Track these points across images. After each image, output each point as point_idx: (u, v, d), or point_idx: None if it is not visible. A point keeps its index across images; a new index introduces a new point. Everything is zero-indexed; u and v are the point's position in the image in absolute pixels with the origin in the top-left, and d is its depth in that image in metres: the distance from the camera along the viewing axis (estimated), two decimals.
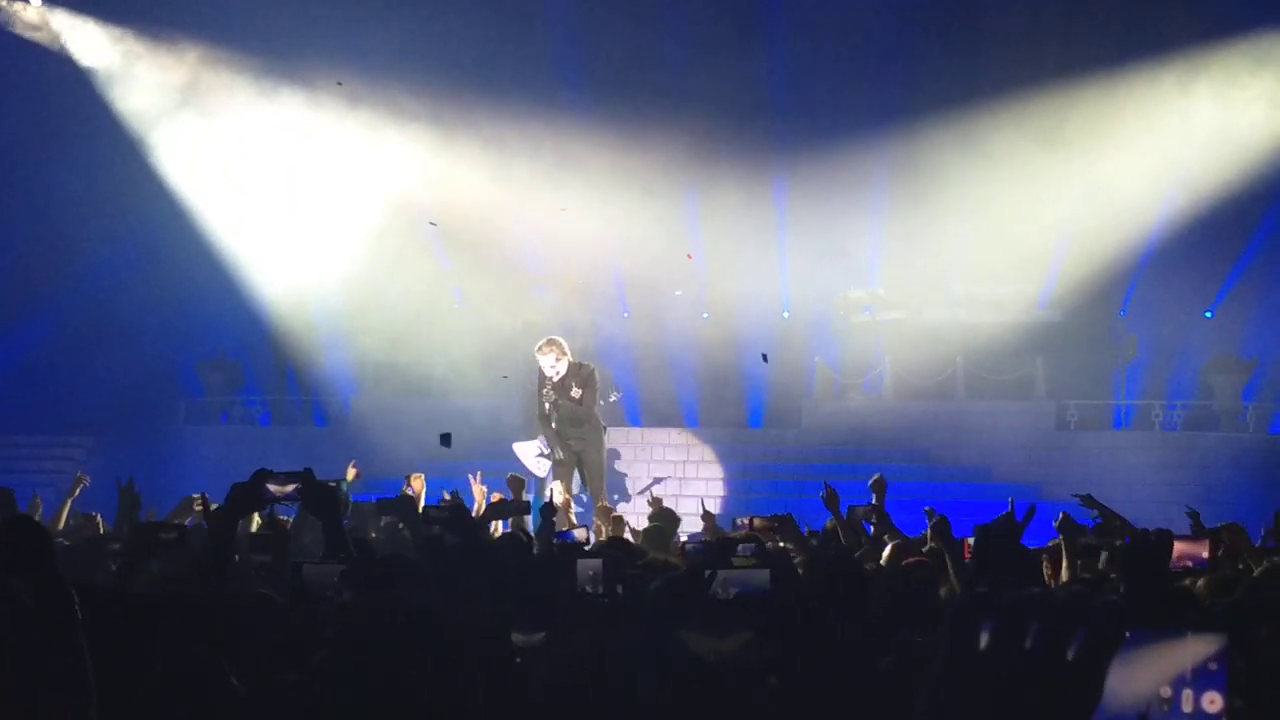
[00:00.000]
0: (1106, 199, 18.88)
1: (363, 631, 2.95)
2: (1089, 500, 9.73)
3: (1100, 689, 1.31)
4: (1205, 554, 5.72)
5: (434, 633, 2.87)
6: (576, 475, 13.77)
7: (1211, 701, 1.36)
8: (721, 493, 17.64)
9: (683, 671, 2.24)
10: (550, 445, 14.10)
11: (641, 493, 13.34)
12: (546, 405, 13.48)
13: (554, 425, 13.52)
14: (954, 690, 1.32)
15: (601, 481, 13.42)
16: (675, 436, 19.69)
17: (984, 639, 1.33)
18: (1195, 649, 1.38)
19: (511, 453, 14.58)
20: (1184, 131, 18.55)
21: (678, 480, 18.01)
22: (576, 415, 13.25)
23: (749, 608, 2.25)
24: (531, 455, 14.59)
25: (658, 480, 15.39)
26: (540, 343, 13.60)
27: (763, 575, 4.01)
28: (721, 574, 3.73)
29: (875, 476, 9.61)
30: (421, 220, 19.60)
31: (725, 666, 2.21)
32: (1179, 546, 5.64)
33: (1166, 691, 1.37)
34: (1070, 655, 1.29)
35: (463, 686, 2.89)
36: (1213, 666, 1.36)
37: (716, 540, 7.64)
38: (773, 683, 2.23)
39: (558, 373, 13.35)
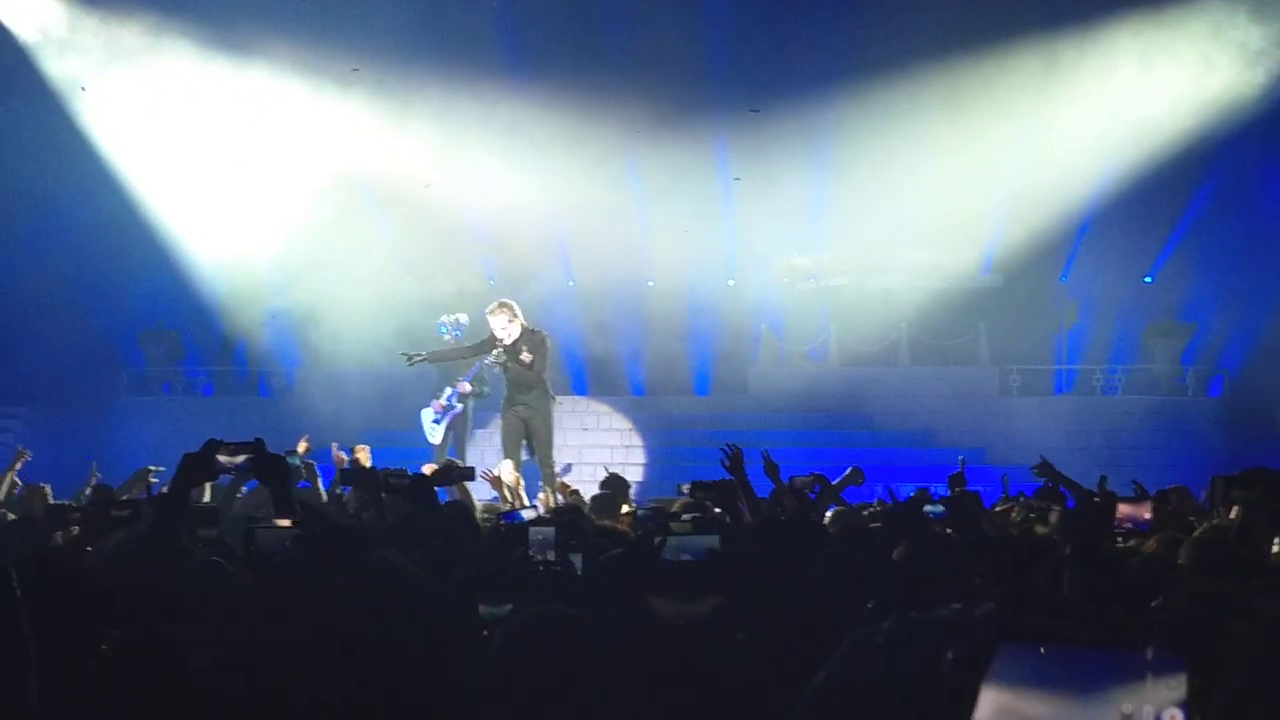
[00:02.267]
0: (1048, 166, 18.98)
1: (331, 603, 2.93)
2: (1045, 468, 9.80)
3: (974, 701, 1.30)
4: (1148, 515, 5.79)
5: (407, 604, 2.85)
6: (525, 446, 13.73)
7: (1173, 718, 1.36)
8: (668, 460, 17.67)
9: (650, 637, 2.24)
10: (444, 409, 14.19)
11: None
12: (497, 368, 13.42)
13: (505, 391, 13.42)
14: (832, 704, 1.32)
15: (550, 451, 13.34)
16: (622, 404, 19.71)
17: (869, 659, 1.32)
18: (1154, 665, 1.38)
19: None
20: (1124, 97, 18.68)
21: (624, 448, 18.04)
22: (525, 380, 13.16)
23: (712, 570, 2.26)
24: (428, 421, 14.62)
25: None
26: (492, 305, 13.53)
27: (711, 541, 4.02)
28: (672, 541, 3.73)
29: (857, 469, 9.59)
30: (365, 188, 19.42)
31: (693, 629, 2.20)
32: (1122, 508, 5.72)
33: (1127, 709, 1.36)
34: (944, 672, 1.28)
35: (436, 658, 2.87)
36: (1173, 684, 1.36)
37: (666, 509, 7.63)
38: (741, 639, 2.24)
39: (509, 335, 13.24)
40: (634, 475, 13.27)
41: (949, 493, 5.57)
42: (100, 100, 18.69)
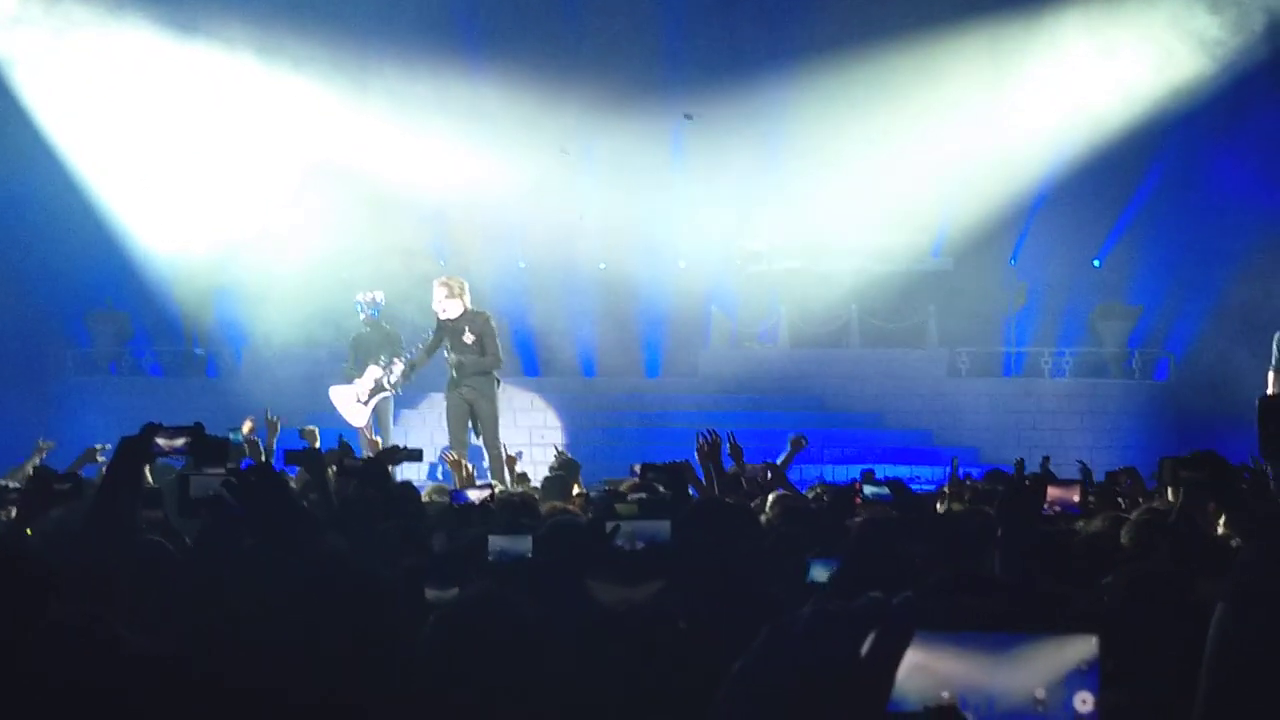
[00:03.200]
0: (998, 149, 19.08)
1: (278, 583, 2.88)
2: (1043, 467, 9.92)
3: (889, 690, 1.30)
4: (1076, 499, 5.88)
5: (351, 595, 2.81)
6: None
7: (1084, 701, 1.37)
8: (618, 442, 17.66)
9: (593, 623, 2.22)
10: (368, 391, 14.11)
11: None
12: (444, 352, 13.34)
13: (449, 373, 13.33)
14: (748, 693, 1.31)
15: (496, 433, 13.27)
16: (572, 385, 19.69)
17: (786, 648, 1.32)
18: (1067, 649, 1.39)
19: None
20: (1074, 81, 18.80)
21: (574, 429, 18.01)
22: (480, 366, 13.09)
23: (656, 555, 2.24)
24: (349, 403, 14.41)
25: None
26: (438, 279, 13.51)
27: (664, 526, 4.00)
28: (625, 527, 3.72)
29: (798, 435, 9.63)
30: (315, 167, 19.25)
31: (636, 615, 2.19)
32: (1052, 491, 5.76)
33: (1040, 693, 1.37)
34: (861, 658, 1.28)
35: (376, 648, 2.84)
36: (1084, 666, 1.38)
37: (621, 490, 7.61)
38: (682, 627, 2.23)
39: (446, 310, 13.13)
40: (584, 456, 13.21)
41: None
42: (47, 76, 18.42)
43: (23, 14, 18.07)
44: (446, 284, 13.27)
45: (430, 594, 3.92)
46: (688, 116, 18.15)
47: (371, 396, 14.34)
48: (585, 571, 2.14)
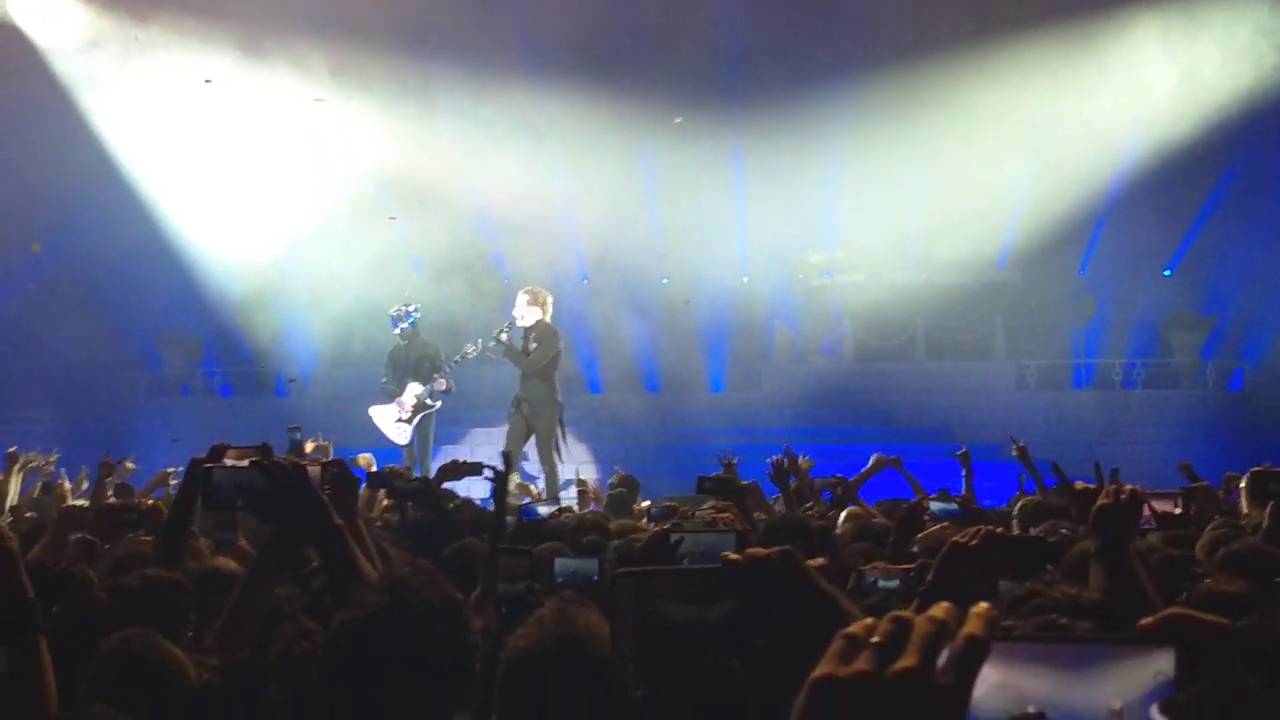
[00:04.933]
0: (1064, 158, 18.89)
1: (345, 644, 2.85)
2: (1021, 452, 9.83)
3: (966, 707, 1.29)
4: (1177, 510, 5.62)
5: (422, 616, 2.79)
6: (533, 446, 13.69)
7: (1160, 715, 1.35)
8: (682, 459, 17.59)
9: (663, 644, 2.18)
10: (415, 407, 14.12)
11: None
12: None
13: (518, 386, 13.44)
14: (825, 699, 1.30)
15: (550, 451, 13.33)
16: (636, 402, 19.66)
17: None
18: (1145, 661, 1.36)
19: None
20: (1142, 87, 18.57)
21: (640, 446, 17.96)
22: (520, 365, 13.26)
23: (727, 572, 2.21)
24: (390, 421, 14.41)
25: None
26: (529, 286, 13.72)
27: (728, 539, 3.95)
28: (690, 539, 3.67)
29: (882, 456, 9.61)
30: (381, 189, 19.38)
31: (708, 637, 2.15)
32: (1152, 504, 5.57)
33: (1116, 704, 1.35)
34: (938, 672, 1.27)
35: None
36: (1161, 679, 1.35)
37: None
38: (759, 645, 2.18)
39: (524, 317, 13.33)
40: (646, 473, 13.19)
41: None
42: (118, 101, 18.71)
43: (95, 37, 18.38)
44: (531, 293, 13.46)
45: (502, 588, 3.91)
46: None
47: (415, 414, 14.33)
48: (658, 589, 2.11)
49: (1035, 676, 1.34)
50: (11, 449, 9.78)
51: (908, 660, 1.26)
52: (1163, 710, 1.32)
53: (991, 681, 1.31)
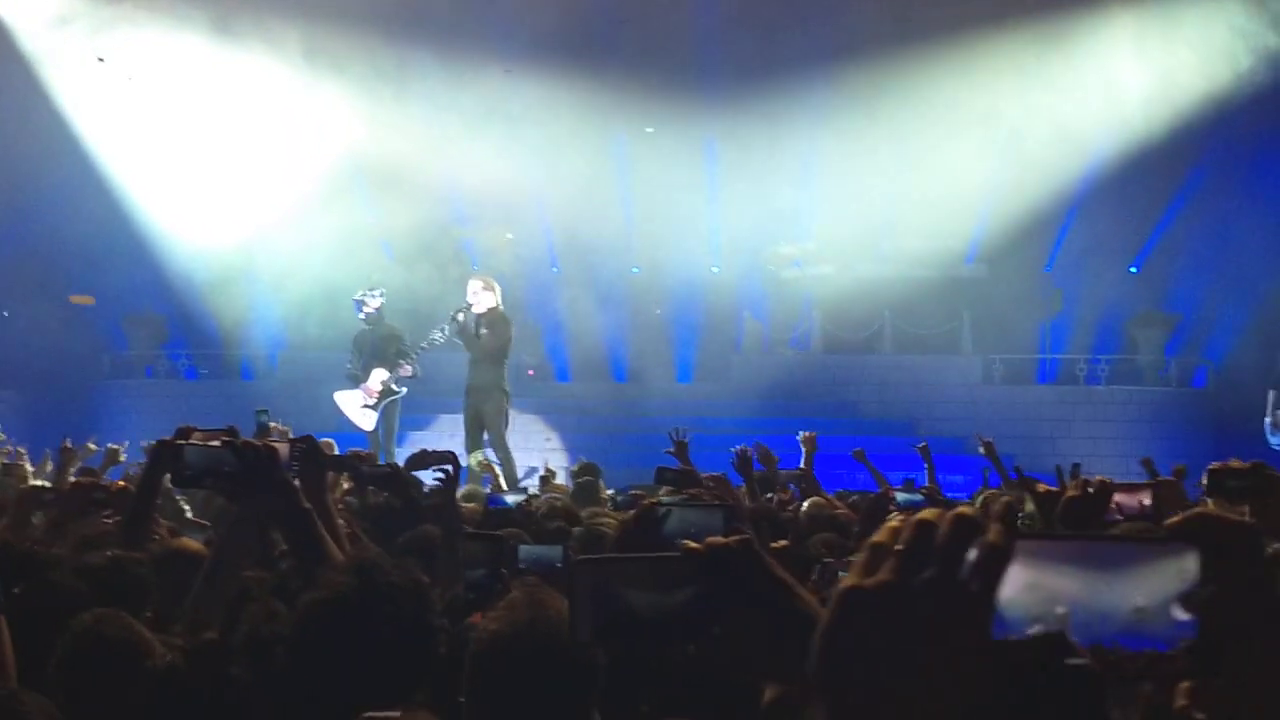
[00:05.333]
0: (1032, 154, 18.98)
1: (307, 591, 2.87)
2: (988, 448, 9.88)
3: (992, 609, 1.32)
4: (1147, 501, 5.57)
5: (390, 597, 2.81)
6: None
7: (1182, 611, 1.38)
8: (649, 448, 17.62)
9: (627, 631, 2.21)
10: (379, 393, 14.09)
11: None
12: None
13: (470, 371, 13.46)
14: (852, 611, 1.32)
15: (502, 440, 13.35)
16: (604, 390, 19.67)
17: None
18: (1170, 560, 1.40)
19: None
20: (1113, 86, 18.68)
21: (607, 434, 17.98)
22: (478, 355, 13.28)
23: (688, 559, 2.22)
24: (355, 406, 14.34)
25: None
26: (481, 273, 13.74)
27: (716, 516, 3.94)
28: (676, 513, 3.67)
29: (805, 433, 9.59)
30: (350, 172, 19.28)
31: (668, 623, 2.18)
32: (1118, 496, 5.56)
33: (1141, 601, 1.39)
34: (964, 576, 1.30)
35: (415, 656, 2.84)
36: (1185, 578, 1.38)
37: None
38: (716, 632, 2.21)
39: (478, 303, 13.31)
40: (613, 462, 13.22)
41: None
42: (85, 80, 18.57)
43: (64, 14, 18.24)
44: (483, 279, 13.48)
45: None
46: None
47: (380, 400, 14.27)
48: (618, 576, 2.13)
49: (1064, 576, 1.37)
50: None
51: (932, 568, 1.28)
52: (1183, 605, 1.35)
53: (1021, 582, 1.33)
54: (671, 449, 7.79)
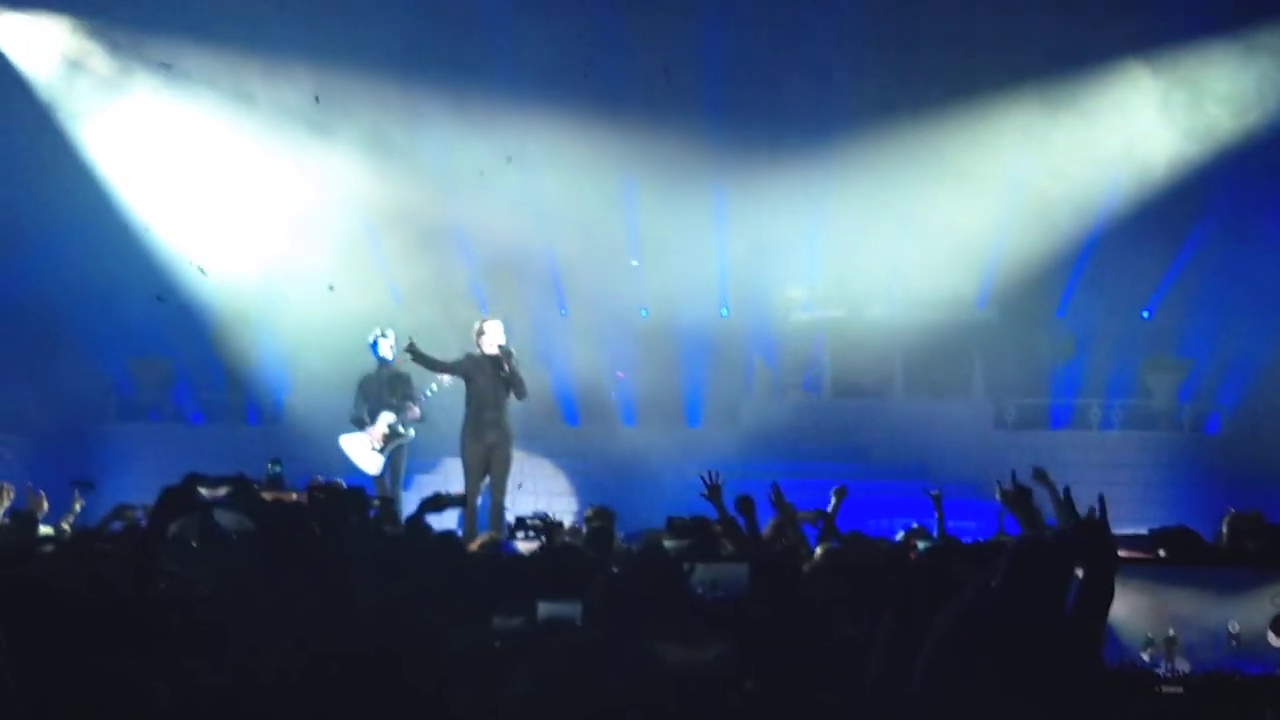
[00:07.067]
0: (1044, 199, 18.98)
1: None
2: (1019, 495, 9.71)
3: (1105, 619, 1.23)
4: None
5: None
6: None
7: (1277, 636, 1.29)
8: (660, 490, 17.51)
9: (656, 685, 2.10)
10: (386, 436, 13.96)
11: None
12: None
13: (473, 413, 13.12)
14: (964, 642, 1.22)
15: (505, 484, 13.15)
16: (612, 434, 19.58)
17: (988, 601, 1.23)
18: (1266, 587, 1.31)
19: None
20: (1124, 131, 18.69)
21: (615, 478, 17.88)
22: (522, 395, 13.03)
23: (726, 612, 2.11)
24: (362, 450, 14.24)
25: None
26: (490, 317, 13.48)
27: (742, 570, 3.82)
28: (701, 569, 3.56)
29: (841, 486, 9.58)
30: (358, 215, 19.29)
31: (699, 676, 2.06)
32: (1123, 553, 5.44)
33: (1235, 627, 1.30)
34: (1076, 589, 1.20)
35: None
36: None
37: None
38: (749, 688, 2.10)
39: (492, 348, 13.04)
40: (623, 506, 13.08)
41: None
42: (98, 122, 18.66)
43: (75, 59, 18.34)
44: (500, 322, 13.28)
45: (497, 621, 3.81)
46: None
47: (387, 444, 14.18)
48: (648, 631, 2.02)
49: (1179, 599, 1.30)
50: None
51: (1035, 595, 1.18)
52: (1274, 629, 1.28)
53: (1143, 605, 1.26)
54: (705, 492, 7.68)
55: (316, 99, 18.41)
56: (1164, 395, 19.54)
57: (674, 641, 1.96)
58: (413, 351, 13.04)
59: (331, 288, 18.18)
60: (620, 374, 20.42)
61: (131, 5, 18.29)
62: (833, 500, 9.45)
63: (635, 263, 20.95)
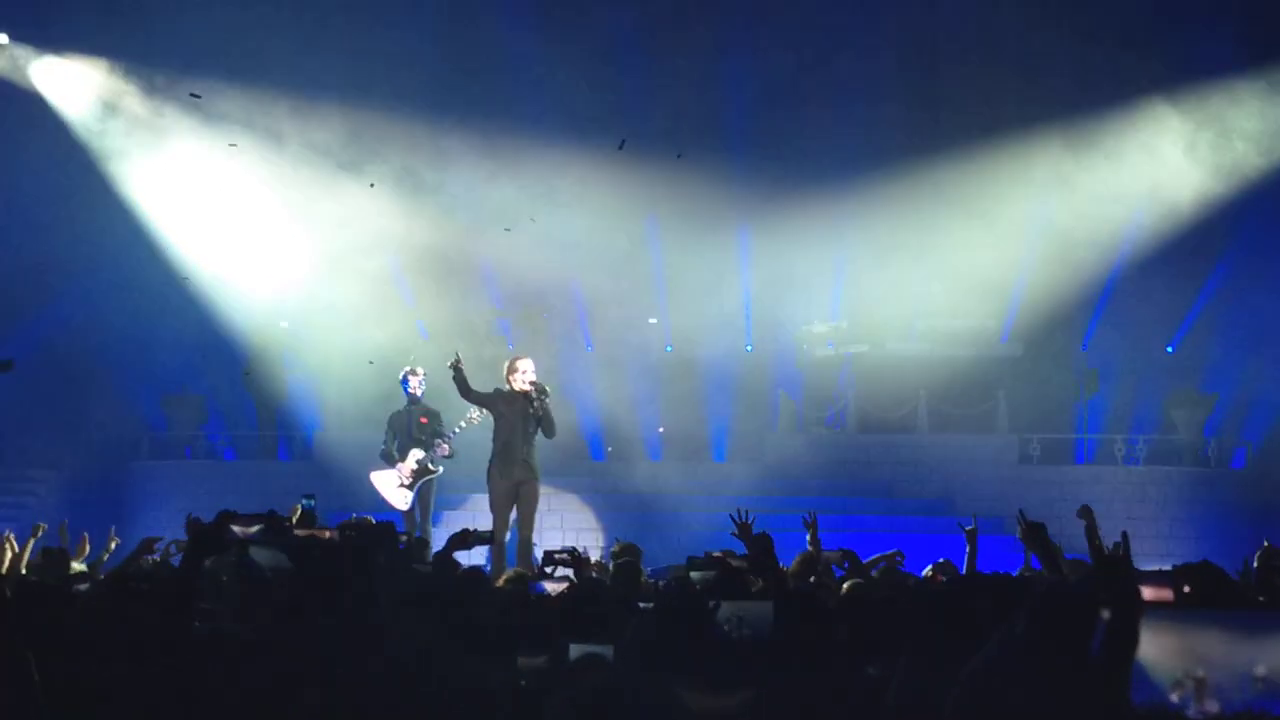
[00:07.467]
0: (1068, 235, 19.03)
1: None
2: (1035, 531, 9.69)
3: (1131, 662, 1.34)
4: (1170, 598, 5.52)
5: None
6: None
7: None
8: (685, 526, 17.57)
9: None
10: (415, 472, 14.06)
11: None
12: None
13: (504, 450, 13.06)
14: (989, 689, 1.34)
15: (533, 521, 13.12)
16: (638, 469, 19.63)
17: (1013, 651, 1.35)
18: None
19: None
20: (1149, 171, 18.75)
21: (640, 513, 17.94)
22: (551, 434, 13.02)
23: (751, 652, 2.20)
24: (391, 486, 14.36)
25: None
26: (520, 354, 13.50)
27: (767, 608, 3.89)
28: (727, 607, 3.65)
29: (897, 552, 9.53)
30: (387, 252, 19.50)
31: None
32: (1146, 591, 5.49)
33: (1260, 670, 1.40)
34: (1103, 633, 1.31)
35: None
36: None
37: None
38: None
39: (525, 384, 12.99)
40: (648, 541, 13.12)
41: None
42: (134, 163, 18.90)
43: (110, 101, 18.62)
44: (531, 359, 13.27)
45: (522, 662, 3.90)
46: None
47: (416, 479, 14.29)
48: (673, 677, 2.12)
49: (1207, 640, 1.38)
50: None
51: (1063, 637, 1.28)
52: None
53: (1171, 648, 1.35)
54: (735, 530, 7.74)
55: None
56: (1189, 430, 19.48)
57: (699, 688, 2.05)
58: (456, 369, 13.07)
59: (371, 362, 18.31)
60: (661, 429, 20.55)
61: (167, 48, 18.58)
62: (880, 555, 9.46)
63: (654, 320, 21.14)
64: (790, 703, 2.00)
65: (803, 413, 20.93)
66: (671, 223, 19.98)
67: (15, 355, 19.45)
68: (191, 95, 18.23)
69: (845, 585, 7.62)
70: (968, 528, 9.49)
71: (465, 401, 13.36)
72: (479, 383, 13.50)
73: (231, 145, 18.22)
